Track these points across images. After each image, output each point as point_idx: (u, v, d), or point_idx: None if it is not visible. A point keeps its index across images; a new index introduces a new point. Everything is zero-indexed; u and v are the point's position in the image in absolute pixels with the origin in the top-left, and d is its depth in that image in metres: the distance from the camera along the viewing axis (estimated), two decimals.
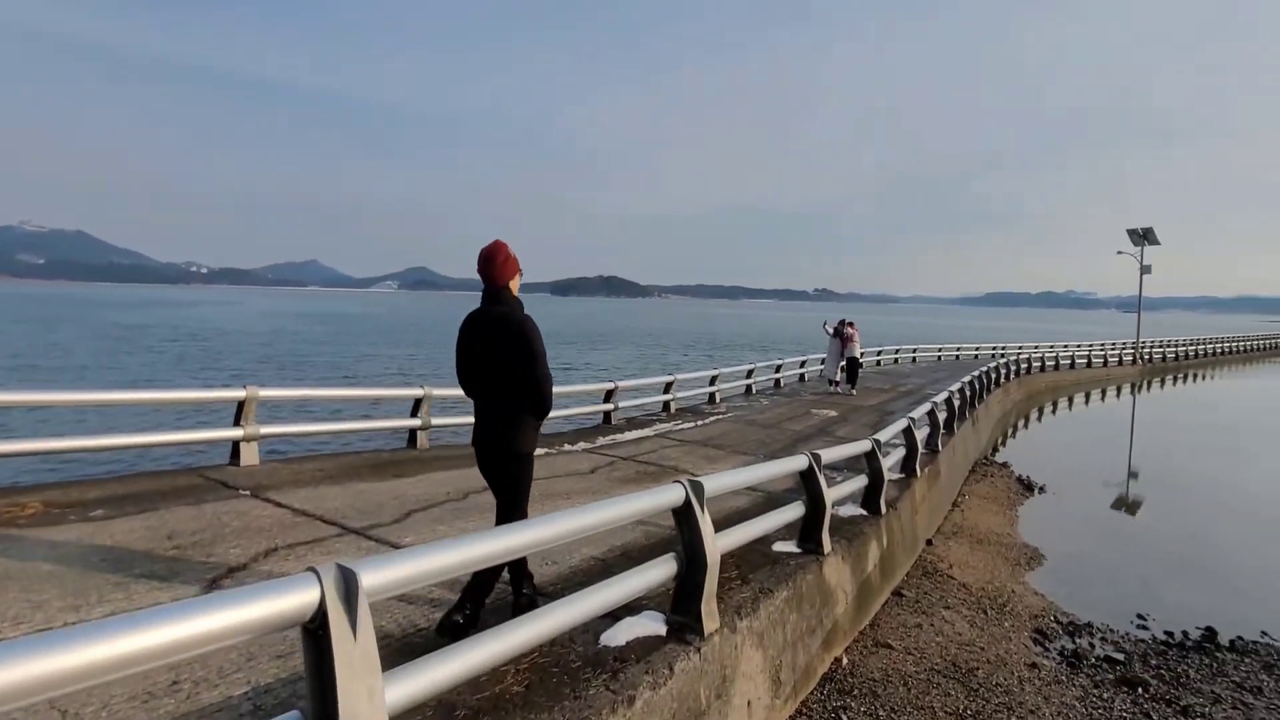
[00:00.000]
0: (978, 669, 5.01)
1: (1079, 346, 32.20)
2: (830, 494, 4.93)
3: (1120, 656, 5.74)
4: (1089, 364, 31.27)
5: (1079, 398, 25.92)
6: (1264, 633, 6.58)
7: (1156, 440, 18.01)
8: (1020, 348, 28.79)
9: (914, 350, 27.01)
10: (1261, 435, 19.70)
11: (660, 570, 3.24)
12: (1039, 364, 27.44)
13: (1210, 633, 6.50)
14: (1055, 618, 6.56)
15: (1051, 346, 30.80)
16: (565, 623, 2.71)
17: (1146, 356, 35.15)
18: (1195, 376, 34.24)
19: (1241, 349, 47.12)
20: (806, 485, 4.81)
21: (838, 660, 4.82)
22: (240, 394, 6.01)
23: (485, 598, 3.10)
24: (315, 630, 1.71)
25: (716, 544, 3.40)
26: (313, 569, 1.74)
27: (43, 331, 42.79)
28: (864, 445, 6.17)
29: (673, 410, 11.82)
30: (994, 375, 17.84)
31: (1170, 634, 6.47)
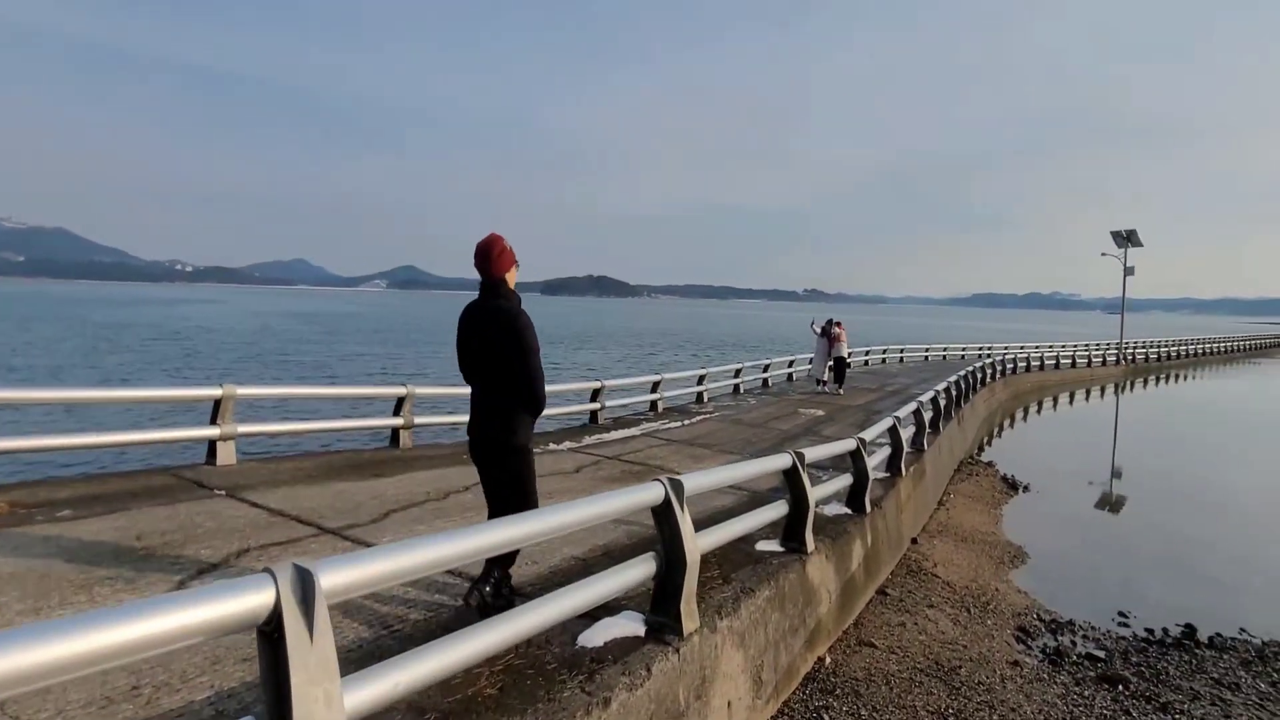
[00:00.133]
0: (960, 667, 5.01)
1: (1064, 347, 32.54)
2: (814, 493, 4.90)
3: (1101, 654, 5.77)
4: (1074, 364, 31.61)
5: (1064, 398, 26.17)
6: (1242, 629, 6.64)
7: (1139, 439, 18.20)
8: (1006, 348, 29.03)
9: (901, 350, 27.15)
10: (1242, 434, 19.99)
11: (639, 570, 3.19)
12: (1025, 364, 27.70)
13: (1190, 629, 6.55)
14: (1038, 615, 6.58)
15: (1037, 347, 31.10)
16: (541, 623, 2.66)
17: (1130, 357, 35.58)
18: (1177, 377, 34.69)
19: (1222, 350, 47.83)
20: (790, 484, 4.79)
21: (821, 660, 4.80)
22: (217, 392, 5.90)
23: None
24: (270, 634, 1.65)
25: (697, 543, 3.36)
26: (268, 569, 1.68)
27: (19, 330, 42.04)
28: (849, 444, 6.16)
29: (660, 409, 11.78)
30: (980, 375, 17.95)
31: (1151, 631, 6.52)
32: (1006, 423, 20.28)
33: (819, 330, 15.84)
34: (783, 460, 4.69)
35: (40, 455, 7.97)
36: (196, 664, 2.67)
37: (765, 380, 16.76)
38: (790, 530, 4.84)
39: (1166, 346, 40.72)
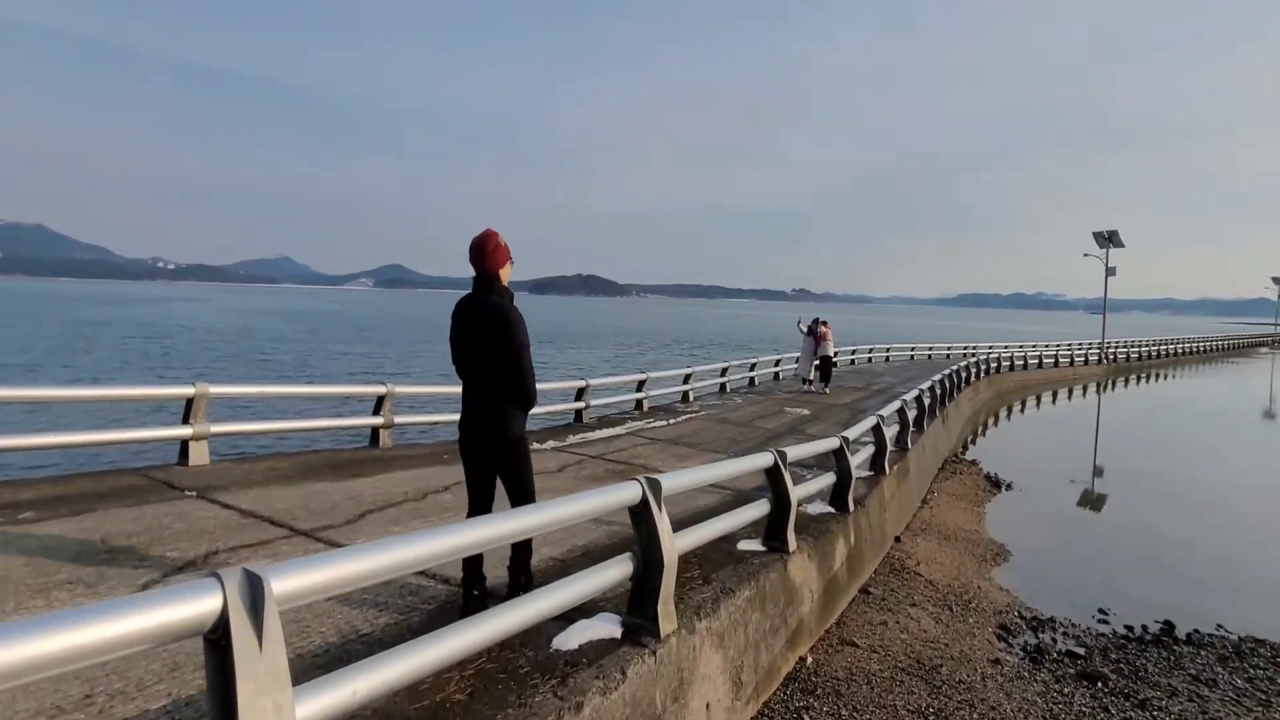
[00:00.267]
0: (941, 666, 5.00)
1: (1047, 346, 32.89)
2: (796, 492, 4.87)
3: (1081, 651, 5.79)
4: (1056, 363, 31.95)
5: (1046, 396, 26.45)
6: (1219, 625, 6.71)
7: (1121, 438, 18.42)
8: (991, 347, 29.28)
9: (888, 350, 27.31)
10: (1220, 433, 20.30)
11: (616, 571, 3.14)
12: (1009, 363, 27.95)
13: (1168, 626, 6.60)
14: (1019, 613, 6.61)
15: (1021, 346, 31.42)
16: (514, 626, 2.59)
17: (1111, 356, 36.04)
18: (1157, 376, 35.20)
19: (1201, 349, 48.62)
20: (772, 483, 4.75)
21: (802, 659, 4.77)
22: (189, 391, 5.76)
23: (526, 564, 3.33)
24: (217, 642, 1.58)
25: (675, 543, 3.31)
26: (215, 574, 1.60)
27: None
28: (832, 443, 6.14)
29: (645, 409, 11.73)
30: (964, 374, 18.08)
31: (1130, 628, 6.56)
32: (990, 421, 20.45)
33: (805, 330, 15.87)
34: (764, 459, 4.66)
35: (3, 456, 7.75)
36: (154, 671, 2.57)
37: (752, 379, 16.77)
38: (772, 529, 4.81)
39: (1147, 346, 41.30)
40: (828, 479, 6.15)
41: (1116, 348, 37.54)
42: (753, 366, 17.02)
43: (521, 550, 3.33)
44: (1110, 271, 36.03)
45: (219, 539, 4.11)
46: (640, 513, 3.20)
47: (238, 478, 5.58)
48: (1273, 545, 9.86)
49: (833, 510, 6.15)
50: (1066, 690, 4.93)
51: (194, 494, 5.03)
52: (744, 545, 4.73)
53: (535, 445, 8.11)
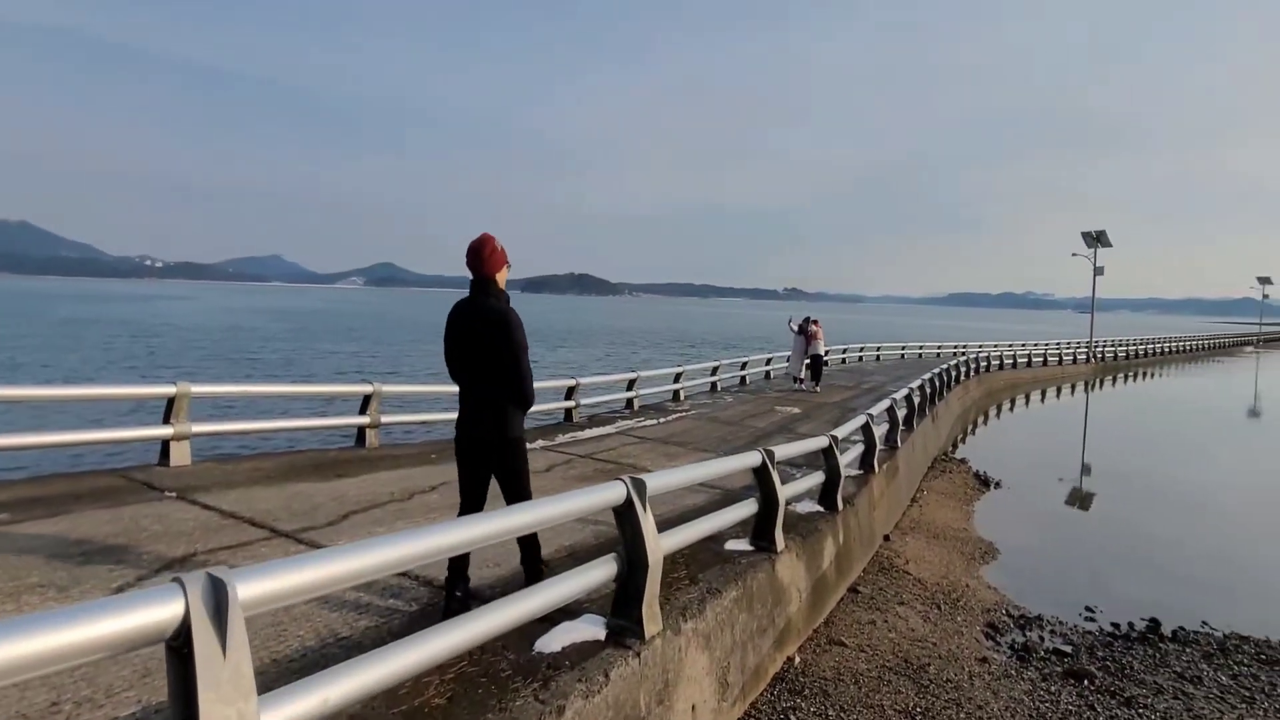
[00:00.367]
0: (929, 665, 5.00)
1: (1036, 345, 33.12)
2: (785, 491, 4.85)
3: (1068, 649, 5.81)
4: (1045, 362, 32.16)
5: (1035, 395, 26.63)
6: (1204, 622, 6.75)
7: (1108, 436, 18.57)
8: (980, 346, 29.45)
9: (878, 349, 27.41)
10: (1206, 431, 20.50)
11: (600, 571, 3.10)
12: (998, 362, 28.09)
13: (1154, 623, 6.64)
14: (1007, 611, 6.62)
15: (1010, 345, 31.62)
16: (495, 628, 2.55)
17: (1099, 355, 36.33)
18: (1144, 375, 35.53)
19: (1186, 348, 49.12)
20: (759, 482, 4.73)
21: (790, 660, 4.75)
22: (170, 390, 5.67)
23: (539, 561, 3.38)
24: (180, 649, 1.53)
25: (660, 544, 3.27)
26: (178, 579, 1.55)
27: None
28: (821, 441, 6.13)
29: (636, 408, 11.69)
30: (954, 373, 18.15)
31: (1117, 625, 6.59)
32: (980, 420, 20.56)
33: (796, 329, 15.89)
34: (752, 458, 4.63)
35: None
36: (125, 677, 2.51)
37: (743, 378, 16.76)
38: (760, 529, 4.78)
39: (1134, 345, 41.68)
40: (817, 478, 6.14)
41: (1104, 347, 37.86)
42: (744, 365, 17.02)
43: (529, 548, 3.38)
44: (1098, 271, 36.34)
45: (197, 541, 4.04)
46: (624, 513, 3.16)
47: (220, 478, 5.50)
48: (1258, 543, 9.95)
49: (822, 509, 6.13)
50: (1053, 688, 4.94)
51: (174, 495, 4.95)
52: (732, 545, 4.71)
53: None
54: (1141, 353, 41.76)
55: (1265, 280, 60.05)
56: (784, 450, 5.14)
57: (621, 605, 3.20)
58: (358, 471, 6.13)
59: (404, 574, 3.60)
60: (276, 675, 2.55)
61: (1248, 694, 5.20)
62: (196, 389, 5.79)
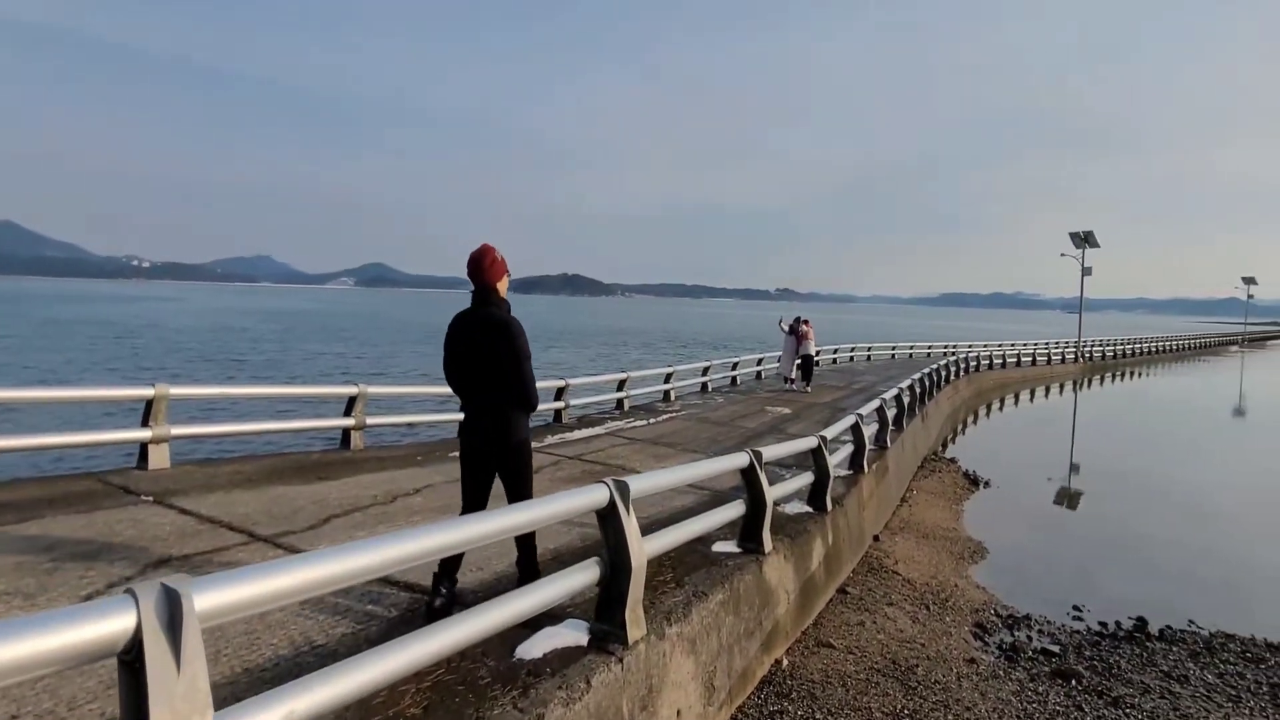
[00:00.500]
0: (917, 666, 4.97)
1: (1025, 345, 33.33)
2: (773, 492, 4.81)
3: (1056, 649, 5.81)
4: (1034, 362, 32.36)
5: (1025, 394, 26.79)
6: (1191, 621, 6.77)
7: (1096, 435, 18.69)
8: (970, 346, 29.60)
9: (869, 349, 27.48)
10: (1193, 430, 20.68)
11: (583, 576, 3.05)
12: (988, 362, 28.25)
13: (1141, 622, 6.65)
14: (996, 611, 6.62)
15: (1000, 345, 31.79)
16: (474, 634, 2.49)
17: (1087, 355, 36.61)
18: (1131, 374, 35.84)
19: (1173, 348, 49.62)
20: (747, 483, 4.69)
21: (778, 662, 4.71)
22: (149, 392, 5.56)
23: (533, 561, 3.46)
24: (131, 663, 1.46)
25: (644, 547, 3.22)
26: (130, 590, 1.49)
27: None
28: (810, 442, 6.10)
29: (626, 408, 11.64)
30: (944, 373, 18.22)
31: (1104, 624, 6.60)
32: (969, 419, 20.64)
33: (787, 329, 15.89)
34: (740, 459, 4.59)
35: None
36: (89, 689, 2.43)
37: (734, 378, 16.75)
38: (748, 530, 4.74)
39: (1121, 345, 42.04)
40: (806, 478, 6.11)
41: (1092, 347, 38.17)
42: (735, 365, 17.01)
43: (526, 549, 3.45)
44: (1086, 271, 36.64)
45: (173, 546, 3.95)
46: (608, 516, 3.11)
47: (199, 482, 5.40)
48: (1245, 541, 10.02)
49: (811, 510, 6.10)
50: (1041, 689, 4.93)
51: (150, 499, 4.84)
52: (719, 547, 4.66)
53: None
54: (1128, 352, 42.14)
55: (1250, 280, 60.76)
56: (773, 451, 5.11)
57: (605, 610, 3.15)
58: (341, 474, 6.04)
59: (384, 579, 3.52)
60: (248, 685, 2.48)
61: (1234, 692, 5.21)
62: (175, 391, 5.69)
